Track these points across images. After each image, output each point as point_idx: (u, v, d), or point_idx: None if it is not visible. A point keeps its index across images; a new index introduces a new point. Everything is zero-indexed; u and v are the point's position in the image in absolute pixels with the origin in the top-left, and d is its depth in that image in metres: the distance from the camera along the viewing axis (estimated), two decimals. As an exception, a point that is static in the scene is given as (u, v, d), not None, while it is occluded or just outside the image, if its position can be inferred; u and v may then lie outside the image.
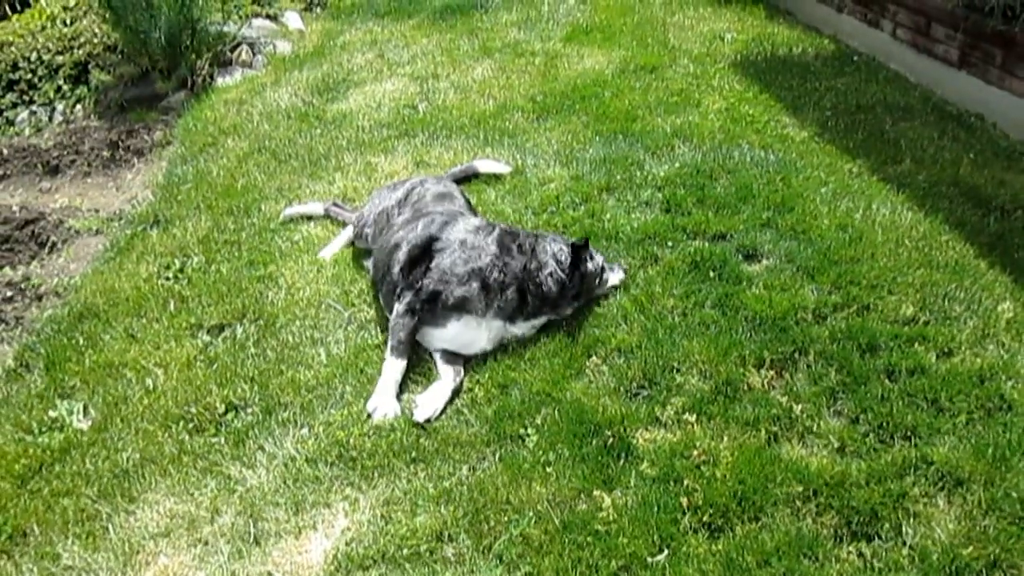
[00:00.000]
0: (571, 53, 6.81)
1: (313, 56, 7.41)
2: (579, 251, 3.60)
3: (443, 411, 3.31)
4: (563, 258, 3.61)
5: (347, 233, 4.43)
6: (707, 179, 4.69)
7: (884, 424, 3.04)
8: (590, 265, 3.65)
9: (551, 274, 3.57)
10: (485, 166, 4.92)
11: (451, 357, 3.51)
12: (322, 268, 4.24)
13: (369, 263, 4.11)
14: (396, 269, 3.66)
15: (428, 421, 3.24)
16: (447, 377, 3.40)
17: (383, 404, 3.31)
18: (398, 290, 3.60)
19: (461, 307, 3.49)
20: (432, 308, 3.49)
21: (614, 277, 3.84)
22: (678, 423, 3.14)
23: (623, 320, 3.66)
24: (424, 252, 3.63)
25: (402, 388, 3.45)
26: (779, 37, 6.89)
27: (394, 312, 3.54)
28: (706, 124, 5.38)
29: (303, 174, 5.25)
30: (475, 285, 3.51)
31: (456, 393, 3.39)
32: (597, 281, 3.74)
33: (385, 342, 3.64)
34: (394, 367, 3.43)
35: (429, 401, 3.30)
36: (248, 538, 2.88)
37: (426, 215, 3.90)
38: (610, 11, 7.75)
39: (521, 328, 3.61)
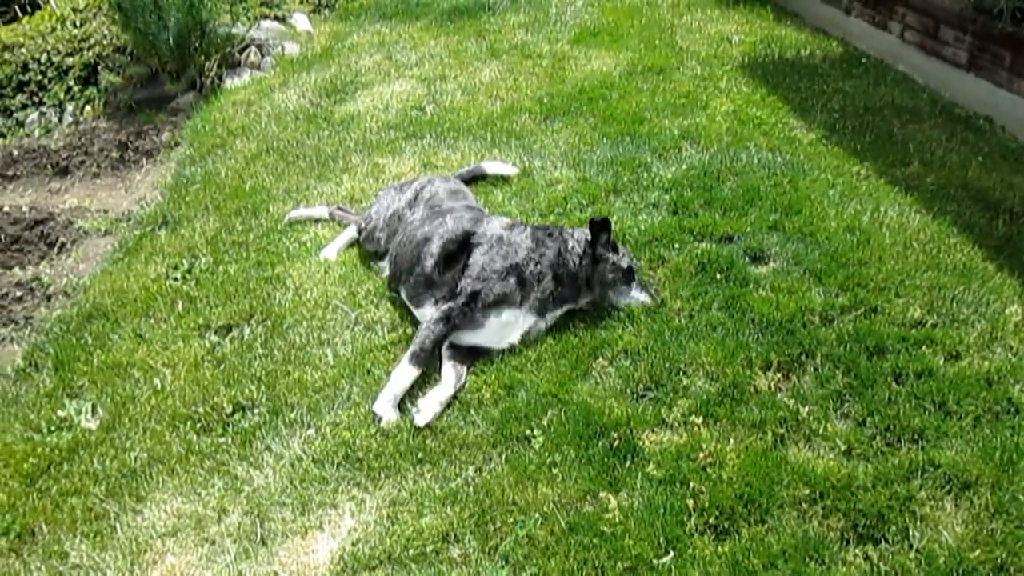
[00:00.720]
0: (578, 55, 6.81)
1: (321, 58, 7.43)
2: (596, 229, 3.63)
3: (442, 414, 3.31)
4: (582, 237, 3.68)
5: (349, 233, 4.43)
6: (714, 181, 4.68)
7: (891, 427, 3.03)
8: (612, 256, 3.65)
9: (572, 248, 3.65)
10: (493, 168, 4.92)
11: (461, 357, 3.52)
12: (329, 269, 4.25)
13: (383, 263, 4.12)
14: (429, 263, 3.68)
15: (427, 425, 3.24)
16: (448, 381, 3.40)
17: (387, 411, 3.30)
18: (436, 297, 3.62)
19: (501, 302, 3.53)
20: (470, 310, 3.51)
21: (638, 294, 3.74)
22: (684, 425, 3.14)
23: (630, 322, 3.65)
24: (461, 247, 3.68)
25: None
26: (787, 39, 6.89)
27: (428, 318, 3.54)
28: (713, 126, 5.38)
29: (311, 175, 5.26)
30: (512, 280, 3.55)
31: (456, 396, 3.39)
32: (613, 277, 3.66)
33: (397, 342, 3.66)
34: (407, 374, 3.40)
35: (429, 405, 3.29)
36: (255, 538, 2.89)
37: (449, 211, 3.94)
38: (617, 13, 7.75)
39: (548, 321, 3.65)
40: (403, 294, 3.83)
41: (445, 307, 3.52)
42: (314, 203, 4.89)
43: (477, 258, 3.62)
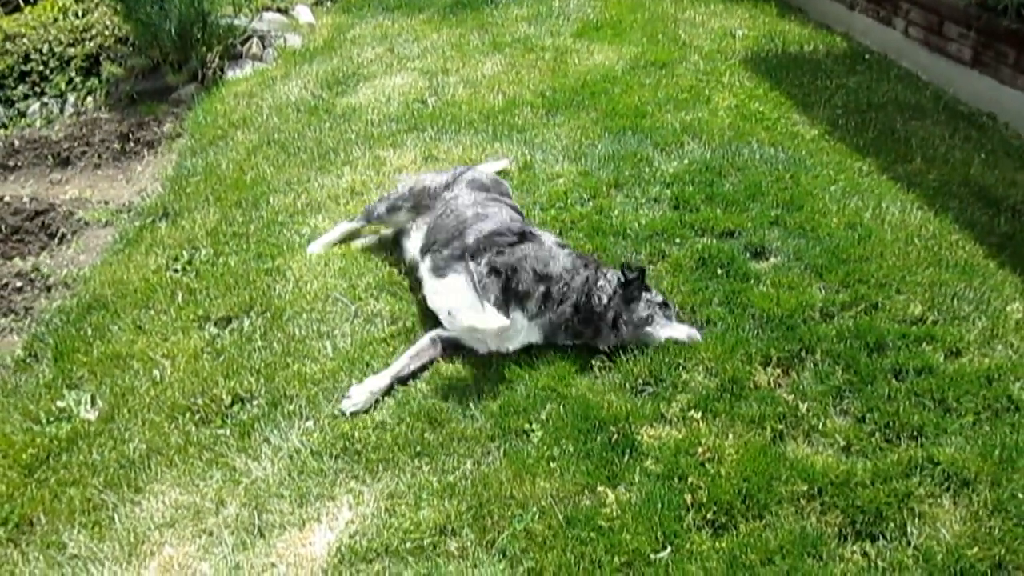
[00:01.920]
0: (581, 48, 6.79)
1: (323, 50, 7.42)
2: (629, 276, 3.47)
3: (378, 402, 3.33)
4: (613, 278, 3.52)
5: (341, 228, 4.40)
6: (716, 176, 4.67)
7: (890, 423, 3.03)
8: (647, 294, 3.49)
9: (602, 287, 3.50)
10: (487, 168, 4.87)
11: (429, 351, 3.52)
12: (329, 262, 4.24)
13: (413, 232, 4.08)
14: (472, 239, 3.64)
15: (355, 413, 3.29)
16: (395, 366, 3.42)
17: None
18: (467, 252, 3.58)
19: (522, 299, 3.48)
20: (509, 280, 3.47)
21: (670, 330, 3.49)
22: (683, 420, 3.13)
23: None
24: (519, 237, 3.65)
25: (405, 380, 3.46)
26: (790, 34, 6.87)
27: (475, 275, 3.49)
28: (716, 121, 5.36)
29: (312, 167, 5.26)
30: (541, 289, 3.49)
31: (399, 381, 3.40)
32: (650, 314, 3.46)
33: (397, 335, 3.69)
34: (495, 320, 3.34)
35: (360, 392, 3.33)
36: (252, 530, 2.89)
37: (512, 206, 4.00)
38: (621, 7, 7.73)
39: (552, 340, 3.55)
40: (427, 262, 3.77)
41: (486, 258, 3.50)
42: (315, 196, 4.86)
43: (526, 248, 3.59)
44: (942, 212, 4.31)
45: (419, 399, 3.34)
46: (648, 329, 3.48)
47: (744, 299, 3.69)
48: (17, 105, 7.01)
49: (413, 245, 4.04)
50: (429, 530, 2.79)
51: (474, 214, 3.81)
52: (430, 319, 3.72)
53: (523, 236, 3.68)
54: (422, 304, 3.84)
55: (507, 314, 3.41)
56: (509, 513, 2.83)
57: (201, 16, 6.87)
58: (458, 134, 5.46)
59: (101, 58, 7.13)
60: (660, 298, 3.55)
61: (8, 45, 7.15)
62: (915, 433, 2.99)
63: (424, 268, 3.78)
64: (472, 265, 3.53)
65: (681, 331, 3.48)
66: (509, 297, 3.47)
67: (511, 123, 5.54)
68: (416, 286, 3.93)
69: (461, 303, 3.45)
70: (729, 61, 6.36)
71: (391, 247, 4.31)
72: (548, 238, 3.74)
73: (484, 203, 3.93)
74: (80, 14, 7.44)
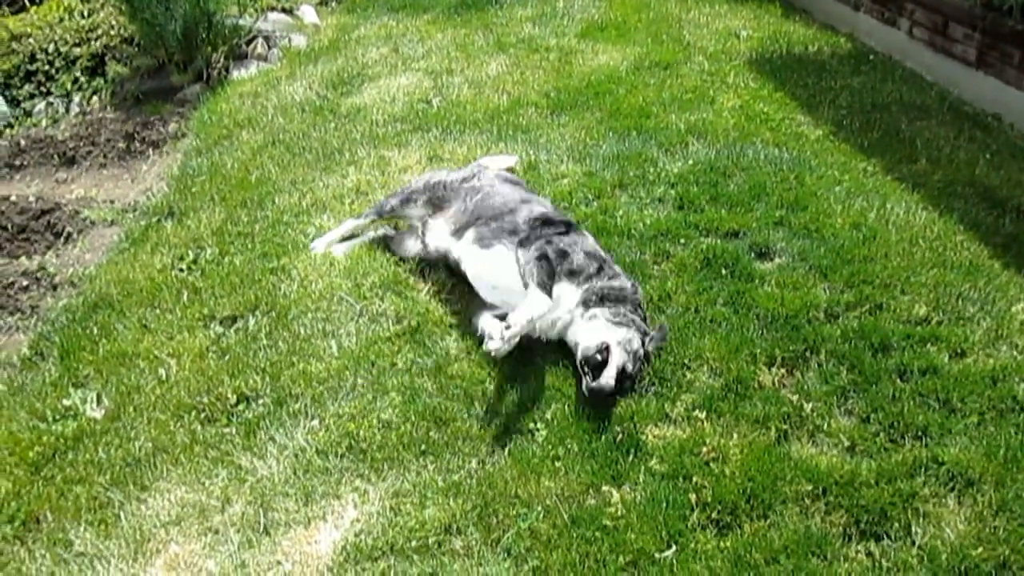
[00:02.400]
0: (585, 49, 6.79)
1: (328, 50, 7.42)
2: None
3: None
4: (647, 339, 3.43)
5: (345, 225, 4.40)
6: (721, 176, 4.68)
7: (895, 424, 3.03)
8: (625, 323, 3.40)
9: (639, 298, 3.60)
10: (493, 163, 4.89)
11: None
12: (335, 261, 4.24)
13: (431, 235, 4.10)
14: (523, 216, 3.80)
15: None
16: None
17: (519, 327, 3.17)
18: (515, 240, 3.68)
19: (575, 274, 3.54)
20: (559, 263, 3.54)
21: (592, 332, 3.35)
22: (688, 420, 3.14)
23: (634, 316, 3.65)
24: (566, 227, 3.78)
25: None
26: (795, 35, 6.86)
27: (523, 260, 3.54)
28: (720, 121, 5.36)
29: (317, 167, 5.26)
30: (594, 265, 3.58)
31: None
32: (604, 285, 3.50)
33: (401, 334, 3.70)
34: (543, 302, 3.32)
35: (517, 318, 3.20)
36: (258, 528, 2.90)
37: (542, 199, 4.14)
38: (625, 7, 7.73)
39: (580, 328, 3.48)
40: (469, 235, 3.85)
41: (536, 245, 3.57)
42: (320, 196, 4.87)
43: (573, 236, 3.72)
44: (947, 213, 4.31)
45: (424, 398, 3.35)
46: (597, 322, 3.39)
47: (748, 299, 3.70)
48: (23, 105, 7.03)
49: (437, 234, 4.06)
50: (434, 529, 2.80)
51: (521, 198, 3.98)
52: (434, 317, 3.74)
53: (569, 226, 3.82)
54: (430, 299, 3.87)
55: (551, 293, 3.41)
56: (514, 512, 2.83)
57: (206, 16, 6.88)
58: (463, 134, 5.46)
59: (106, 58, 7.14)
60: (631, 369, 3.27)
61: (14, 45, 7.17)
62: (920, 433, 2.99)
63: (463, 243, 3.87)
64: (520, 252, 3.61)
65: (608, 374, 3.18)
66: (559, 276, 3.52)
67: (516, 123, 5.55)
68: (427, 274, 4.03)
69: (503, 280, 3.60)
70: (734, 62, 6.35)
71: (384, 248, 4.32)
72: (589, 236, 3.86)
73: (526, 193, 4.11)
74: (86, 14, 7.46)
